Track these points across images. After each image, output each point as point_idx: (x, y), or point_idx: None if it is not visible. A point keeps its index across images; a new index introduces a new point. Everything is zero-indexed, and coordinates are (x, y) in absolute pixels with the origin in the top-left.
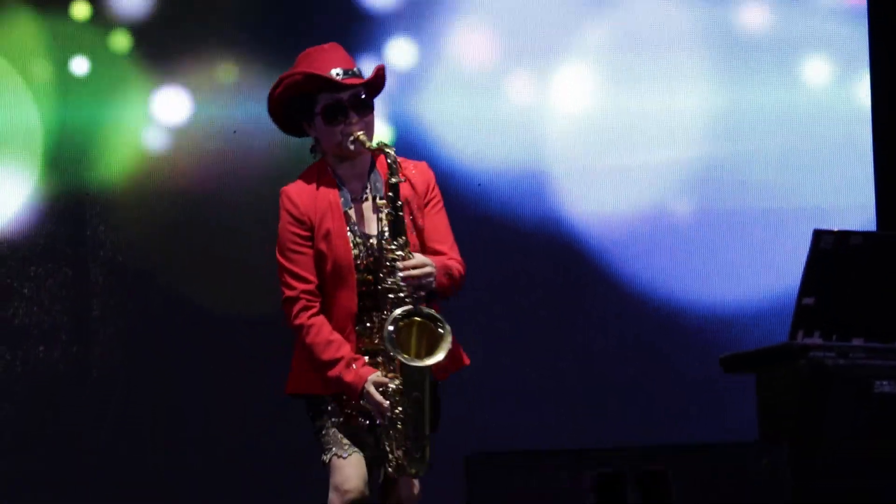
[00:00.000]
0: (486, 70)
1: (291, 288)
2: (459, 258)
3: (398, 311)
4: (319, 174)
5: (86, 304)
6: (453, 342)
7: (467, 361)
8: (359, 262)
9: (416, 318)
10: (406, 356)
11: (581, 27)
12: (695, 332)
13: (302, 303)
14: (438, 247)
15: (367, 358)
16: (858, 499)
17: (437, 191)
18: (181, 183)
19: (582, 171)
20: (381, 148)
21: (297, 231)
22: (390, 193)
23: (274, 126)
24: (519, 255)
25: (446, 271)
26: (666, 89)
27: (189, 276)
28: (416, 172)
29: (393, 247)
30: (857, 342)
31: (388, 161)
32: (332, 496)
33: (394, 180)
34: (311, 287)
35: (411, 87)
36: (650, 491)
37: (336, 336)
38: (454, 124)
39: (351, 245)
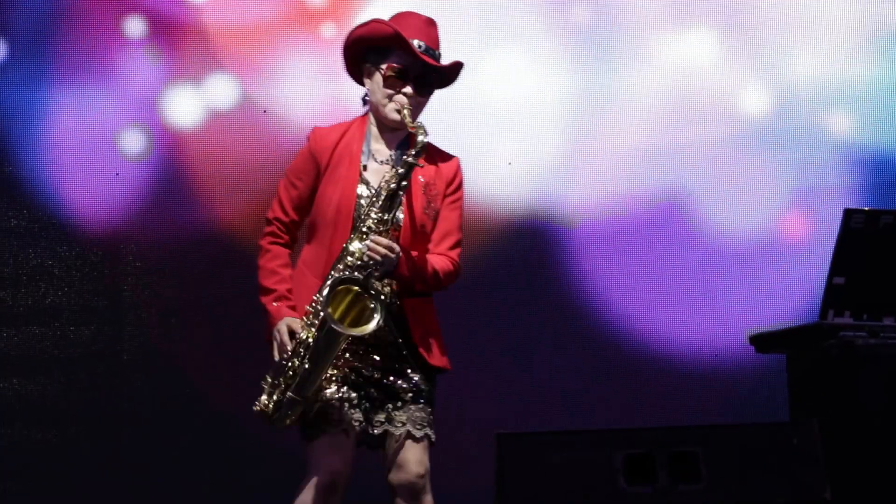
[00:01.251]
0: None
1: (272, 210)
2: (457, 257)
3: (344, 275)
4: (355, 125)
5: (117, 285)
6: (442, 345)
7: (448, 367)
8: (357, 212)
9: (355, 288)
10: (333, 317)
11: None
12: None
13: (273, 228)
14: (440, 240)
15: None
16: (890, 477)
17: (461, 189)
18: (214, 163)
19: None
20: (416, 128)
21: (304, 165)
22: (401, 170)
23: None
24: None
25: (417, 267)
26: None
27: (222, 261)
28: (447, 160)
29: (375, 217)
30: (887, 321)
31: (417, 143)
32: (312, 477)
33: (411, 160)
34: (286, 220)
35: None
36: (680, 471)
37: (284, 271)
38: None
39: (356, 195)
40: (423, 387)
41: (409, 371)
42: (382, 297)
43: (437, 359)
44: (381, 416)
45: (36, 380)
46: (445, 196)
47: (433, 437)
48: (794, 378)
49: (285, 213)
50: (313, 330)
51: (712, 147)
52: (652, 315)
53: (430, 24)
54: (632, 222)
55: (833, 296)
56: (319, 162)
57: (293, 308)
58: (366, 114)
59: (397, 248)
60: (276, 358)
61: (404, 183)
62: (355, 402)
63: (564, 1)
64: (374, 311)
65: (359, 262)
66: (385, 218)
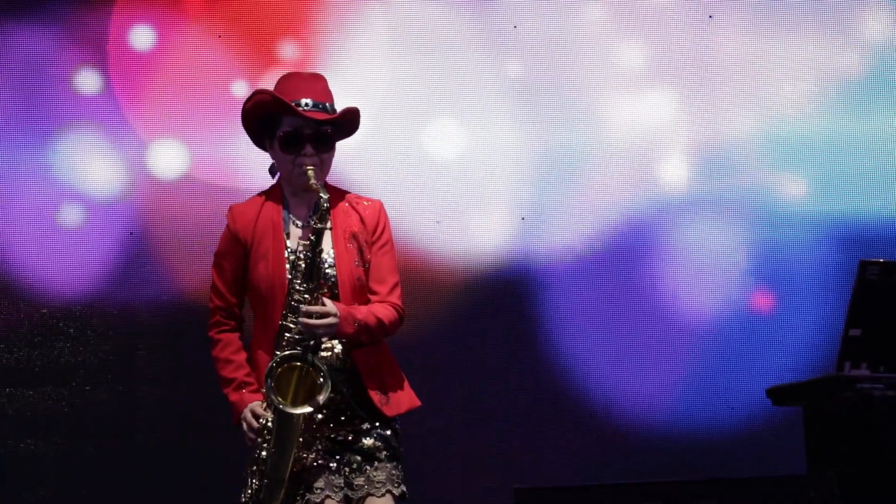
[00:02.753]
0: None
1: (212, 300)
2: (398, 301)
3: (287, 352)
4: (270, 195)
5: (131, 343)
6: (404, 383)
7: (417, 403)
8: (291, 281)
9: (297, 364)
10: (280, 399)
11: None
12: (742, 356)
13: (217, 317)
14: (377, 287)
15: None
16: None
17: (387, 231)
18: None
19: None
20: (317, 188)
21: (229, 247)
22: (312, 237)
23: None
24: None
25: (359, 321)
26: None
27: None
28: (368, 206)
29: (300, 288)
30: None
31: (320, 206)
32: None
33: (318, 226)
34: (224, 305)
35: None
36: None
37: (238, 357)
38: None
39: (287, 266)
40: (393, 443)
41: (377, 426)
42: (323, 367)
43: (394, 407)
44: (361, 479)
45: (50, 439)
46: (373, 243)
47: (406, 492)
48: (811, 430)
49: (223, 298)
50: (270, 413)
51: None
52: (665, 368)
53: (316, 78)
54: (637, 274)
55: (850, 347)
56: (243, 241)
57: (256, 391)
58: (277, 182)
59: (333, 309)
60: (250, 443)
61: (319, 249)
62: (334, 468)
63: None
64: (322, 383)
65: (297, 336)
66: (310, 287)
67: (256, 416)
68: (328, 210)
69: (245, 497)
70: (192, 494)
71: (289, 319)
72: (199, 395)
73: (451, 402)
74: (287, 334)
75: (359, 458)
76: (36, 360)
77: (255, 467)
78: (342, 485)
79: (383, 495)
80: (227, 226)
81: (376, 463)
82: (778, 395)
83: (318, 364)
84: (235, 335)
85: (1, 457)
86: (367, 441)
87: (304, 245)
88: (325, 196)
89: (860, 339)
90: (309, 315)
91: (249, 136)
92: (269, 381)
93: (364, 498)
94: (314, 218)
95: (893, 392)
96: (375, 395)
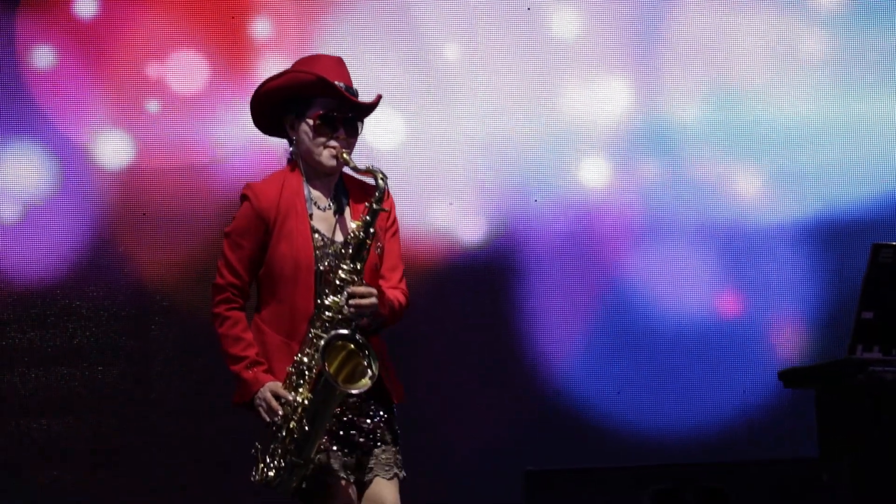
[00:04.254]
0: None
1: (222, 276)
2: (405, 287)
3: (343, 330)
4: (287, 178)
5: (145, 324)
6: (393, 377)
7: (398, 400)
8: (319, 263)
9: (351, 345)
10: (334, 378)
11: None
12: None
13: (227, 294)
14: (389, 274)
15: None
16: None
17: (396, 219)
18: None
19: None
20: (373, 173)
21: (250, 224)
22: (368, 217)
23: None
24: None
25: (388, 303)
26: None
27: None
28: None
29: (347, 267)
30: None
31: (378, 186)
32: None
33: (377, 207)
34: (239, 283)
35: None
36: None
37: (247, 336)
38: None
39: (313, 246)
40: (395, 427)
41: (381, 412)
42: (371, 350)
43: (397, 394)
44: (372, 462)
45: (65, 420)
46: (387, 229)
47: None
48: (823, 413)
49: (238, 276)
50: (304, 391)
51: None
52: (678, 351)
53: (341, 63)
54: (648, 249)
55: (862, 330)
56: (267, 219)
57: (268, 371)
58: (294, 163)
59: (376, 291)
60: (267, 423)
61: (371, 230)
62: (347, 452)
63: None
64: (367, 366)
65: (339, 316)
66: (358, 268)
67: (278, 397)
68: (385, 193)
69: (259, 475)
70: (207, 473)
71: (330, 300)
72: (215, 374)
73: (456, 386)
74: (327, 313)
75: (362, 440)
76: (49, 341)
77: (273, 446)
78: (354, 465)
79: (391, 479)
80: (249, 203)
81: (382, 445)
82: (790, 377)
83: (367, 346)
84: (243, 314)
85: (14, 437)
86: (371, 423)
87: (356, 225)
88: (381, 175)
89: (872, 322)
90: (361, 295)
91: (260, 114)
92: (323, 357)
93: (373, 479)
94: (373, 200)
95: None
96: (387, 381)
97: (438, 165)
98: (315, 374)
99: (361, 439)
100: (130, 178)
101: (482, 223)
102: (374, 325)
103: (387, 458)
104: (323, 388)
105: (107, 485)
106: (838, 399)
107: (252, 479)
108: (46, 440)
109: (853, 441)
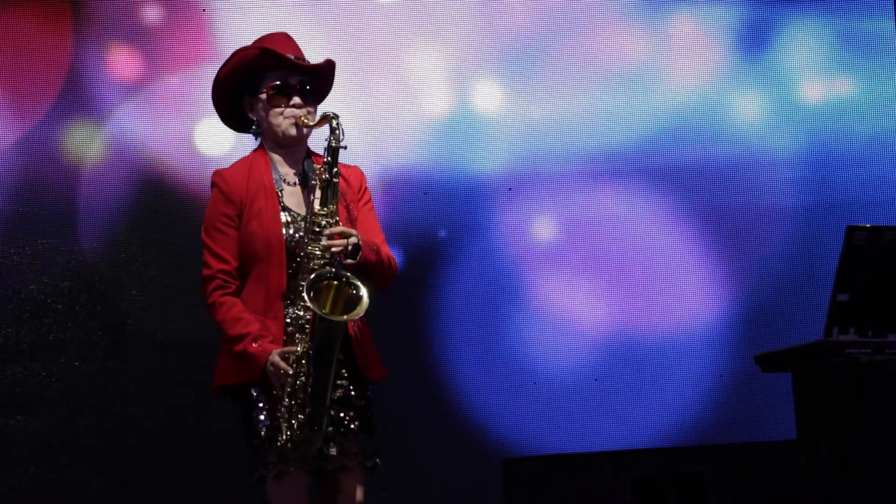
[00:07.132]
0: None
1: (209, 266)
2: (390, 254)
3: (319, 271)
4: (254, 159)
5: (120, 319)
6: (376, 354)
7: (385, 374)
8: (288, 239)
9: (335, 282)
10: (323, 310)
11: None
12: (726, 327)
13: (217, 282)
14: (372, 238)
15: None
16: None
17: (368, 191)
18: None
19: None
20: (326, 117)
21: (225, 211)
22: (329, 158)
23: None
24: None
25: (374, 248)
26: None
27: None
28: (350, 168)
29: (323, 212)
30: (892, 338)
31: (333, 127)
32: None
33: (333, 144)
34: (228, 268)
35: None
36: (688, 492)
37: (245, 315)
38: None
39: (282, 222)
40: (367, 413)
41: (352, 393)
42: (356, 279)
43: (373, 371)
44: (334, 450)
45: (39, 417)
46: (358, 200)
47: (378, 464)
48: (800, 396)
49: (223, 261)
50: (302, 344)
51: None
52: (654, 334)
53: (287, 37)
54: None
55: (837, 313)
56: (237, 201)
57: (273, 341)
58: (259, 145)
59: (353, 230)
60: (281, 389)
61: (335, 169)
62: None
63: None
64: (357, 294)
65: (324, 261)
66: (331, 209)
67: (285, 357)
68: (341, 130)
69: (282, 438)
70: (186, 468)
71: (309, 248)
72: (192, 367)
73: (437, 372)
74: (313, 262)
75: (331, 428)
76: (25, 337)
77: (290, 401)
78: (317, 454)
79: (354, 469)
80: (217, 189)
81: (349, 435)
82: (767, 361)
83: (352, 277)
84: (238, 299)
85: None
86: (341, 412)
87: (319, 168)
88: (333, 115)
89: (848, 305)
90: (335, 234)
91: (223, 104)
92: (310, 294)
93: (336, 470)
94: (330, 138)
95: (881, 357)
96: (359, 356)
97: None
98: (310, 319)
99: (330, 428)
100: (100, 173)
101: None
102: (366, 272)
103: (352, 448)
104: (319, 326)
105: (84, 481)
106: (815, 382)
107: (278, 443)
108: (23, 437)
109: (831, 423)
